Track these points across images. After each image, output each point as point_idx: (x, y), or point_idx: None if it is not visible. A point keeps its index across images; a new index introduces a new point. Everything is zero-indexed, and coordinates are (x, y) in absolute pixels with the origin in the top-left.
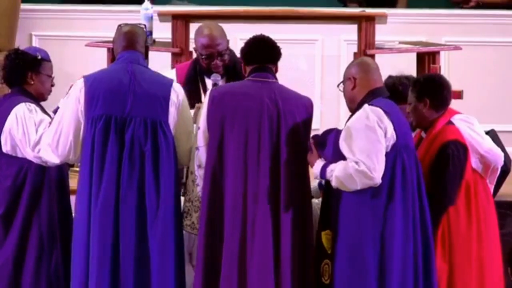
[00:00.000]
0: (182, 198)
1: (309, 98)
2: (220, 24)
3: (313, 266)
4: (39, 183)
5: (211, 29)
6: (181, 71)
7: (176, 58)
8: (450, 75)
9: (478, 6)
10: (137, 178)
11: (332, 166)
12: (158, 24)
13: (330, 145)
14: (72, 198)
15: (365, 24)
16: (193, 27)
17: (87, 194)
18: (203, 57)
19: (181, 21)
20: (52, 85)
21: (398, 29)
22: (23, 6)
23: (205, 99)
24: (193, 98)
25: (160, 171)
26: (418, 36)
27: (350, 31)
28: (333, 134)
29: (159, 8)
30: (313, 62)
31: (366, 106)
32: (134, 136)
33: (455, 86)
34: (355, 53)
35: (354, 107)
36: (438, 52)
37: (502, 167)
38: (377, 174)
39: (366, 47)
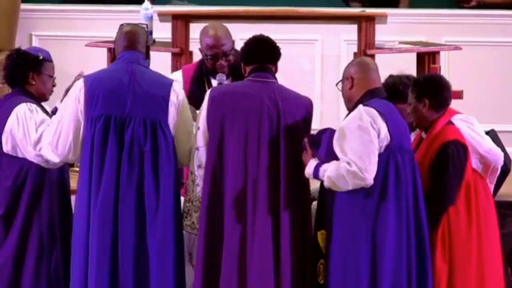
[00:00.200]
0: (182, 198)
1: (308, 98)
2: None
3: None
4: (40, 183)
5: (216, 30)
6: (187, 72)
7: (176, 58)
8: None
9: (479, 6)
10: (136, 178)
11: (324, 166)
12: (158, 24)
13: (324, 144)
14: (73, 198)
15: (365, 24)
16: (193, 27)
17: (87, 193)
18: (208, 57)
19: (181, 21)
20: (54, 85)
21: (398, 29)
22: (23, 6)
23: (205, 99)
24: (199, 99)
25: (159, 171)
26: (418, 36)
27: (350, 31)
28: (327, 133)
29: (159, 8)
30: (313, 62)
31: (360, 106)
32: (134, 136)
33: (455, 86)
34: (355, 53)
35: (351, 107)
36: (438, 52)
37: (502, 167)
38: (369, 175)
39: (366, 47)
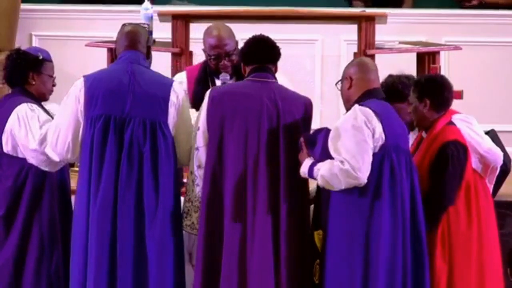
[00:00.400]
0: (182, 198)
1: (308, 98)
2: None
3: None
4: (40, 183)
5: (219, 30)
6: (191, 72)
7: (176, 58)
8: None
9: (480, 5)
10: (135, 178)
11: (319, 165)
12: (158, 24)
13: (319, 144)
14: (73, 198)
15: (365, 24)
16: (193, 27)
17: (86, 193)
18: (211, 57)
19: (181, 21)
20: (54, 85)
21: (398, 29)
22: (23, 6)
23: (204, 99)
24: (203, 99)
25: (159, 172)
26: (418, 36)
27: (350, 31)
28: (323, 133)
29: (159, 8)
30: (313, 62)
31: (356, 106)
32: (133, 137)
33: (455, 86)
34: (355, 53)
35: (349, 107)
36: (438, 52)
37: (501, 167)
38: (362, 174)
39: (366, 47)
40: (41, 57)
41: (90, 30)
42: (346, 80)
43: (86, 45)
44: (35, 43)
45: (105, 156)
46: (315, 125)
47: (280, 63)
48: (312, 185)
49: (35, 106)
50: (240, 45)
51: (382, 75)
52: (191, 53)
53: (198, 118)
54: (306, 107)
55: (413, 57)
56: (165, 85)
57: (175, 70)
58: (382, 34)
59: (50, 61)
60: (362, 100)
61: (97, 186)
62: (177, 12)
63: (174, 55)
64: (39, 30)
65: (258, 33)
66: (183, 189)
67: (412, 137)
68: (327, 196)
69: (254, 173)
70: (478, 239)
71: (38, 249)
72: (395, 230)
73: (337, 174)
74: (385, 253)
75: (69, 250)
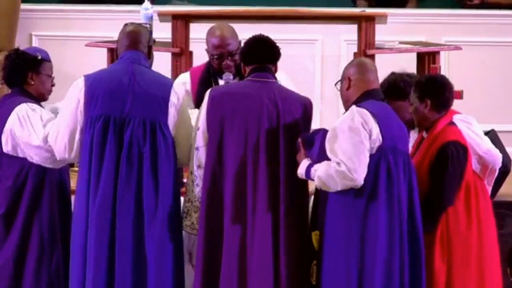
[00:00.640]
0: (182, 198)
1: (308, 98)
2: None
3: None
4: (40, 183)
5: (221, 30)
6: (195, 73)
7: (176, 58)
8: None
9: (482, 5)
10: (135, 178)
11: (316, 166)
12: (158, 24)
13: (317, 145)
14: (73, 198)
15: (365, 24)
16: (193, 27)
17: (85, 194)
18: (214, 57)
19: (181, 21)
20: (53, 85)
21: (398, 29)
22: (23, 6)
23: (204, 99)
24: None
25: (159, 172)
26: (418, 36)
27: (350, 31)
28: (320, 134)
29: (159, 8)
30: (313, 62)
31: (353, 107)
32: (133, 137)
33: (455, 86)
34: (355, 53)
35: (348, 107)
36: (438, 52)
37: (501, 168)
38: (358, 176)
39: (366, 47)
40: (39, 57)
41: (90, 30)
42: (345, 80)
43: (86, 45)
44: (35, 43)
45: (104, 156)
46: (315, 125)
47: (280, 63)
48: (312, 186)
49: (35, 106)
50: (240, 45)
51: (382, 75)
52: (191, 53)
53: (198, 118)
54: (306, 107)
55: (413, 57)
56: (166, 85)
57: (175, 70)
58: (382, 34)
59: (49, 61)
60: (360, 101)
61: (97, 186)
62: (177, 12)
63: (174, 55)
64: (39, 30)
65: (258, 33)
66: (183, 189)
67: (413, 136)
68: (325, 197)
69: (254, 173)
70: (477, 239)
71: (38, 249)
72: (392, 232)
73: (333, 176)
74: (382, 255)
75: (69, 250)
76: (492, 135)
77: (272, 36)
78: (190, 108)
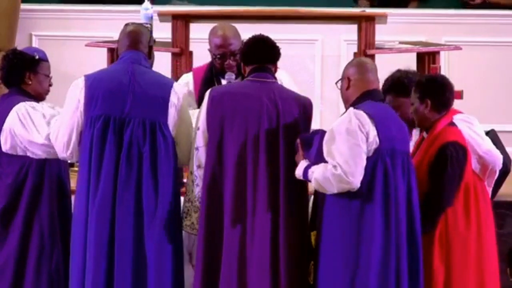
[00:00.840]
0: (182, 198)
1: (308, 98)
2: None
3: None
4: (40, 181)
5: (224, 30)
6: (198, 73)
7: (176, 58)
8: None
9: (483, 4)
10: (134, 178)
11: (313, 168)
12: (158, 24)
13: (315, 146)
14: (73, 198)
15: (365, 24)
16: (193, 27)
17: (85, 193)
18: (217, 57)
19: (181, 21)
20: (50, 85)
21: (398, 29)
22: (23, 6)
23: (204, 99)
24: None
25: (158, 172)
26: (418, 36)
27: (350, 31)
28: (318, 135)
29: (159, 8)
30: (313, 62)
31: (350, 109)
32: (133, 137)
33: (455, 86)
34: (355, 53)
35: (348, 107)
36: (438, 52)
37: (501, 168)
38: (355, 179)
39: (366, 47)
40: (37, 57)
41: (90, 30)
42: (345, 80)
43: (86, 45)
44: (35, 43)
45: (104, 156)
46: (315, 125)
47: (280, 63)
48: (312, 186)
49: (35, 104)
50: None
51: (382, 75)
52: (191, 53)
53: (198, 118)
54: (306, 107)
55: (413, 57)
56: (166, 85)
57: (175, 70)
58: (382, 34)
59: (46, 60)
60: (359, 101)
61: (96, 186)
62: (177, 12)
63: (174, 55)
64: (39, 30)
65: (258, 33)
66: (183, 189)
67: (415, 134)
68: (322, 198)
69: (254, 173)
70: (476, 240)
71: (39, 247)
72: (388, 234)
73: (330, 179)
74: (377, 256)
75: (69, 249)
76: (492, 135)
77: (272, 36)
78: (192, 108)
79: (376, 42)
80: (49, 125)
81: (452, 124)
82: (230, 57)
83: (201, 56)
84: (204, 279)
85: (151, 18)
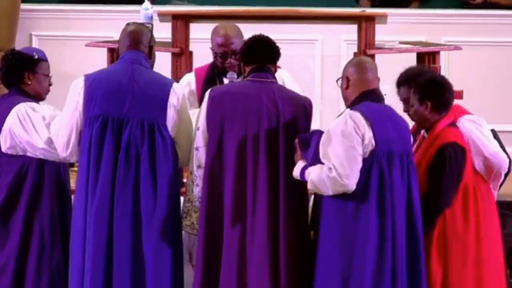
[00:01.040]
0: (182, 198)
1: (308, 98)
2: None
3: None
4: (40, 181)
5: (226, 29)
6: (200, 72)
7: (176, 58)
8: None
9: (484, 4)
10: (132, 179)
11: (309, 169)
12: (158, 24)
13: (312, 146)
14: (73, 198)
15: (365, 24)
16: (193, 27)
17: (84, 193)
18: (218, 55)
19: (181, 21)
20: (50, 85)
21: (398, 29)
22: (23, 6)
23: (204, 99)
24: None
25: (157, 173)
26: (418, 36)
27: (350, 31)
28: (316, 136)
29: (159, 8)
30: (313, 62)
31: (347, 111)
32: (131, 137)
33: (455, 86)
34: (355, 53)
35: (347, 107)
36: (438, 52)
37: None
38: (350, 181)
39: (366, 47)
40: (36, 57)
41: (90, 30)
42: (344, 80)
43: (86, 45)
44: (35, 43)
45: (102, 156)
46: (315, 125)
47: (280, 63)
48: None
49: (34, 105)
50: None
51: (382, 75)
52: (191, 53)
53: (198, 118)
54: (306, 107)
55: (413, 57)
56: (165, 86)
57: (175, 70)
58: (382, 34)
59: (46, 60)
60: (358, 101)
61: (95, 186)
62: (177, 12)
63: (174, 55)
64: (39, 30)
65: (258, 33)
66: (183, 189)
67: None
68: (320, 198)
69: (254, 173)
70: (475, 242)
71: (39, 247)
72: (383, 235)
73: (325, 181)
74: (372, 258)
75: (69, 248)
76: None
77: (272, 36)
78: (194, 107)
79: (376, 42)
80: (48, 128)
81: (452, 124)
82: (232, 56)
83: (201, 56)
84: (204, 279)
85: (151, 18)
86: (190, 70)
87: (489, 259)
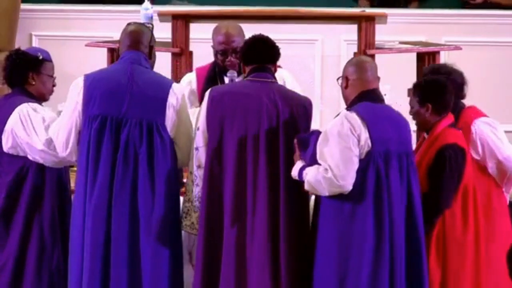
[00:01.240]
0: (182, 198)
1: (308, 98)
2: None
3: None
4: (40, 181)
5: (227, 27)
6: (201, 72)
7: (176, 58)
8: None
9: (484, 4)
10: (130, 179)
11: (307, 170)
12: (158, 24)
13: (311, 147)
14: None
15: (365, 24)
16: (193, 27)
17: (83, 193)
18: (218, 53)
19: (181, 21)
20: (54, 85)
21: (398, 29)
22: (23, 6)
23: (204, 99)
24: None
25: (155, 173)
26: (418, 36)
27: (350, 31)
28: (314, 136)
29: (159, 8)
30: (313, 62)
31: (343, 112)
32: (129, 137)
33: None
34: (355, 53)
35: (347, 106)
36: (438, 52)
37: None
38: (346, 182)
39: (366, 47)
40: (40, 57)
41: (90, 30)
42: (344, 79)
43: (86, 45)
44: (35, 43)
45: (101, 156)
46: (315, 125)
47: (280, 63)
48: None
49: (36, 105)
50: None
51: (382, 75)
52: (191, 53)
53: (198, 118)
54: (306, 107)
55: (413, 57)
56: (164, 86)
57: (175, 70)
58: (382, 34)
59: (50, 61)
60: (356, 101)
61: (93, 186)
62: (177, 12)
63: (174, 55)
64: (39, 30)
65: (258, 33)
66: (183, 189)
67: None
68: (319, 199)
69: (254, 173)
70: (474, 243)
71: (39, 248)
72: (380, 235)
73: (321, 181)
74: (368, 258)
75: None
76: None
77: (272, 36)
78: (195, 106)
79: (376, 42)
80: (47, 130)
81: (452, 125)
82: (232, 54)
83: (201, 56)
84: (204, 279)
85: (151, 18)
86: (190, 70)
87: (491, 260)
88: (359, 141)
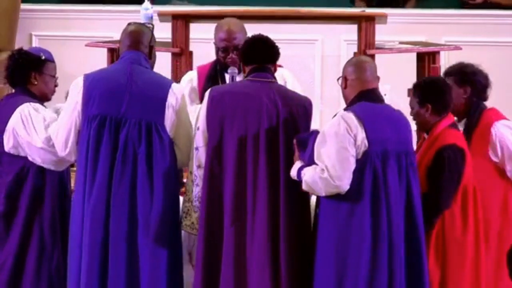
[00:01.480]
0: (182, 198)
1: (308, 98)
2: None
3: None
4: (41, 181)
5: (229, 24)
6: (202, 70)
7: (176, 58)
8: None
9: (484, 4)
10: (129, 178)
11: (305, 170)
12: (158, 24)
13: (309, 147)
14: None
15: (365, 24)
16: (193, 27)
17: (82, 193)
18: (220, 50)
19: (181, 21)
20: (56, 86)
21: (398, 29)
22: (23, 6)
23: (204, 99)
24: None
25: (154, 173)
26: (418, 36)
27: (350, 31)
28: (313, 136)
29: (159, 8)
30: (313, 62)
31: (340, 112)
32: (128, 137)
33: None
34: (355, 53)
35: (347, 106)
36: (438, 52)
37: None
38: (342, 182)
39: (366, 47)
40: (43, 57)
41: (90, 30)
42: (343, 79)
43: (86, 45)
44: (35, 43)
45: (99, 156)
46: (315, 125)
47: (280, 63)
48: None
49: (38, 105)
50: None
51: (382, 75)
52: (191, 53)
53: (198, 118)
54: (306, 107)
55: (413, 57)
56: (164, 86)
57: (175, 70)
58: (382, 34)
59: (52, 61)
60: (355, 101)
61: (92, 186)
62: (177, 12)
63: (174, 55)
64: (39, 30)
65: (258, 33)
66: (183, 189)
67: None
68: (318, 198)
69: (254, 173)
70: (474, 244)
71: (39, 247)
72: (378, 235)
73: (317, 182)
74: (366, 259)
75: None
76: None
77: (272, 36)
78: (195, 104)
79: (376, 42)
80: (47, 129)
81: (451, 126)
82: (233, 51)
83: (201, 56)
84: (204, 279)
85: (151, 18)
86: (190, 70)
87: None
88: (355, 141)
